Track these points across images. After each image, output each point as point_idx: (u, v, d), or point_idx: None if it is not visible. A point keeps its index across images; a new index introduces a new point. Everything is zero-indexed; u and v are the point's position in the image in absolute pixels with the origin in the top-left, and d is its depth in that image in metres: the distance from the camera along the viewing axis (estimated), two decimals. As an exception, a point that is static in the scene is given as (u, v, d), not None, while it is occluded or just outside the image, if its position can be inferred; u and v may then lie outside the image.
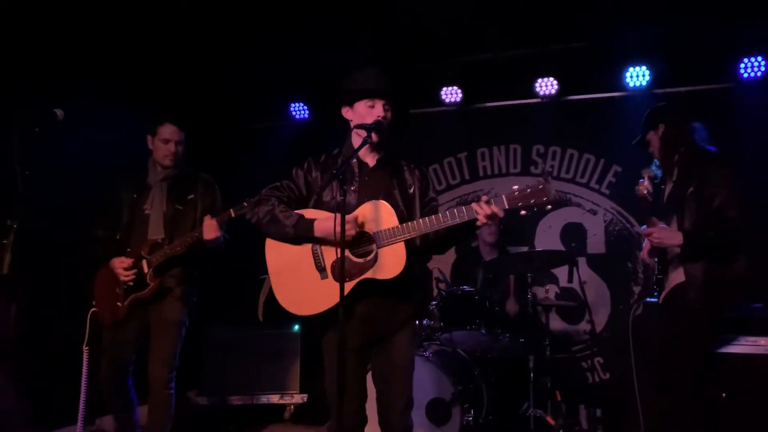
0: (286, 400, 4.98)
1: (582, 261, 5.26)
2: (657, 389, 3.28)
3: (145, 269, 3.42)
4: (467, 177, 5.77)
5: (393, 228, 2.52)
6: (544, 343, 4.28)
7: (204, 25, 4.63)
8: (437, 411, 3.89)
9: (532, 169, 5.54)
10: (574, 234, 5.36)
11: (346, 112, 2.77)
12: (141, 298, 3.42)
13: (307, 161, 2.79)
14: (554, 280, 5.33)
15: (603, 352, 5.19)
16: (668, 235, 3.17)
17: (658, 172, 3.41)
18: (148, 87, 5.00)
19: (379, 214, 2.55)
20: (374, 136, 2.59)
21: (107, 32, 4.47)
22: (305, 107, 6.00)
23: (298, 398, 4.97)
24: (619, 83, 5.17)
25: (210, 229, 3.36)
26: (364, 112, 2.68)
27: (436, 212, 2.66)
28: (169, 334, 3.47)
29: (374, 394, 2.73)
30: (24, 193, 2.55)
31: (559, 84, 5.26)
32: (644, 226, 3.28)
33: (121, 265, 3.39)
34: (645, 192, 3.32)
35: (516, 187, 2.46)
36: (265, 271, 2.70)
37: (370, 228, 2.55)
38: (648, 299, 3.67)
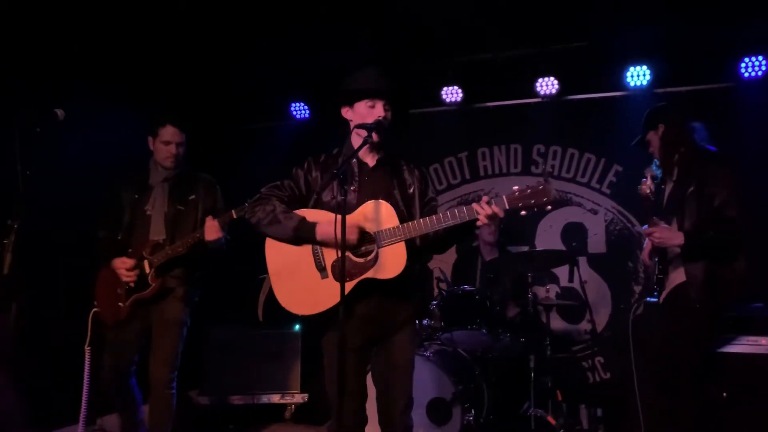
0: (287, 399, 4.98)
1: (583, 260, 5.26)
2: (657, 389, 3.28)
3: (147, 269, 3.43)
4: (468, 177, 5.76)
5: (394, 228, 2.52)
6: (545, 342, 4.27)
7: (204, 25, 4.63)
8: (438, 410, 3.89)
9: (533, 168, 5.53)
10: (574, 233, 5.35)
11: (346, 112, 2.77)
12: (143, 299, 3.43)
13: (307, 161, 2.79)
14: (555, 279, 5.33)
15: (604, 352, 5.19)
16: (669, 235, 3.17)
17: (659, 172, 3.41)
18: (149, 87, 5.00)
19: (379, 214, 2.55)
20: (375, 136, 2.59)
21: (107, 32, 4.47)
22: (306, 107, 6.00)
23: (299, 398, 4.97)
24: (619, 83, 5.16)
25: (212, 230, 3.37)
26: (365, 112, 2.68)
27: (435, 212, 2.67)
28: (171, 334, 3.48)
29: (374, 394, 2.73)
30: (25, 193, 2.55)
31: (559, 84, 5.25)
32: (645, 226, 3.28)
33: (123, 265, 3.40)
34: (648, 191, 3.32)
35: (516, 187, 2.47)
36: (265, 271, 2.70)
37: (370, 228, 2.55)
38: (648, 299, 3.67)
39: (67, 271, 4.14)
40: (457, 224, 2.50)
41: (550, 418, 4.13)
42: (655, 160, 3.44)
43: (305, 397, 4.96)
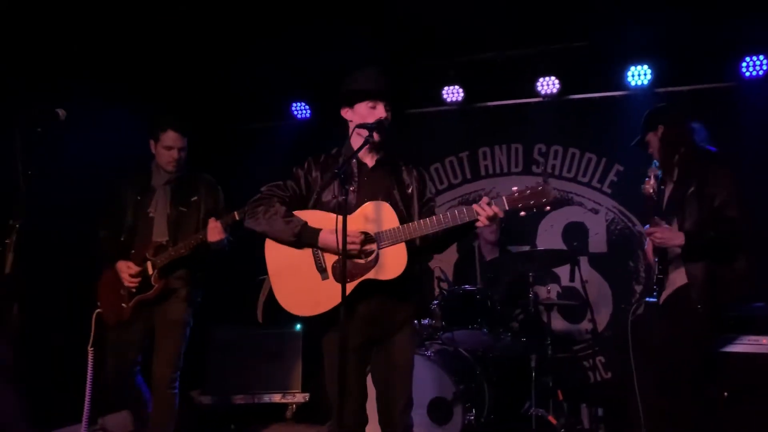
0: (288, 399, 4.98)
1: (584, 260, 5.26)
2: (658, 390, 3.28)
3: (150, 271, 3.44)
4: (469, 176, 5.76)
5: (394, 229, 2.52)
6: (546, 342, 4.27)
7: (204, 25, 4.63)
8: (439, 410, 3.89)
9: (534, 168, 5.53)
10: (575, 233, 5.35)
11: (346, 113, 2.77)
12: (146, 300, 3.45)
13: (307, 161, 2.79)
14: (556, 279, 5.33)
15: (605, 352, 5.19)
16: (670, 235, 3.17)
17: (659, 173, 3.41)
18: (149, 87, 5.01)
19: (380, 215, 2.55)
20: (376, 136, 2.59)
21: (107, 32, 4.47)
22: (306, 107, 6.00)
23: (300, 397, 4.97)
24: (620, 82, 5.16)
25: (214, 232, 3.38)
26: (366, 113, 2.67)
27: (433, 212, 2.69)
28: (174, 335, 3.50)
29: (374, 394, 2.73)
30: (26, 192, 2.55)
31: (560, 83, 5.25)
32: (647, 226, 3.28)
33: (127, 270, 3.42)
34: (651, 191, 3.32)
35: (515, 188, 2.48)
36: (265, 271, 2.70)
37: (371, 228, 2.55)
38: (647, 299, 3.67)
39: (67, 271, 4.14)
40: (458, 225, 2.50)
41: (551, 418, 4.13)
42: (654, 160, 3.43)
43: (306, 396, 4.97)
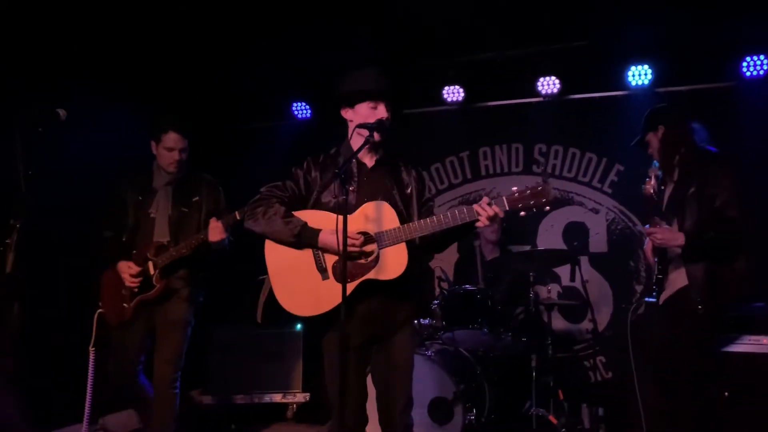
0: (289, 399, 4.98)
1: (584, 260, 5.26)
2: (658, 390, 3.28)
3: (152, 271, 3.45)
4: (469, 176, 5.76)
5: (395, 229, 2.52)
6: (547, 342, 4.27)
7: (204, 25, 4.63)
8: (439, 410, 3.89)
9: (534, 168, 5.53)
10: (576, 233, 5.35)
11: (347, 113, 2.76)
12: (147, 300, 3.45)
13: (306, 161, 2.79)
14: (556, 279, 5.33)
15: (605, 351, 5.19)
16: (671, 236, 3.16)
17: (660, 173, 3.41)
18: (149, 87, 5.00)
19: (380, 215, 2.55)
20: (376, 136, 2.59)
21: (107, 32, 4.47)
22: (307, 107, 6.00)
23: (301, 397, 4.97)
24: (621, 82, 5.15)
25: (215, 232, 3.38)
26: (367, 113, 2.67)
27: (432, 212, 2.70)
28: (175, 334, 3.50)
29: (374, 394, 2.73)
30: (26, 192, 2.55)
31: (561, 83, 5.25)
32: (647, 225, 3.27)
33: (128, 271, 3.43)
34: (652, 191, 3.31)
35: (515, 188, 2.49)
36: (265, 271, 2.70)
37: (371, 228, 2.55)
38: (647, 299, 3.67)
39: (67, 271, 4.14)
40: (458, 225, 2.50)
41: (551, 418, 4.13)
42: (654, 161, 3.43)
43: (307, 396, 4.97)
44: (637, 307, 3.94)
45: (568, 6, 4.58)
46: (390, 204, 2.58)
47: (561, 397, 4.26)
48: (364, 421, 2.69)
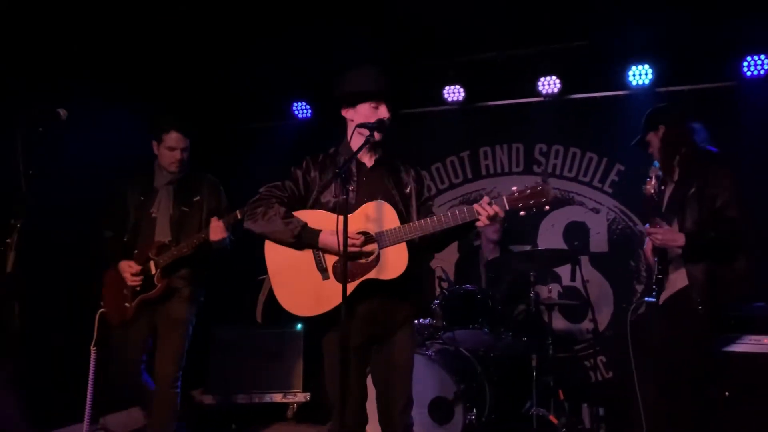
0: (289, 398, 4.98)
1: (585, 260, 5.26)
2: (659, 390, 3.28)
3: (153, 270, 3.45)
4: (470, 176, 5.76)
5: (395, 228, 2.52)
6: (547, 342, 4.27)
7: (204, 25, 4.63)
8: (440, 410, 3.89)
9: (535, 168, 5.52)
10: (576, 233, 5.35)
11: (347, 112, 2.76)
12: (149, 299, 3.46)
13: (305, 160, 2.79)
14: (557, 278, 5.32)
15: (606, 351, 5.18)
16: (671, 236, 3.16)
17: (660, 173, 3.41)
18: (149, 87, 5.01)
19: (381, 215, 2.55)
20: (377, 135, 2.59)
21: (107, 32, 4.47)
22: (308, 106, 6.00)
23: (301, 397, 4.97)
24: (621, 82, 5.15)
25: (216, 231, 3.39)
26: (368, 113, 2.67)
27: (431, 212, 2.70)
28: (177, 333, 3.51)
29: (374, 394, 2.73)
30: (27, 192, 2.55)
31: (561, 83, 5.24)
32: (647, 225, 3.27)
33: (129, 270, 3.43)
34: (652, 191, 3.31)
35: (515, 188, 2.48)
36: (266, 271, 2.70)
37: (372, 228, 2.55)
38: (647, 299, 3.66)
39: (67, 271, 4.15)
40: (458, 224, 2.50)
41: (552, 418, 4.13)
42: (655, 161, 3.43)
43: (307, 396, 4.97)
44: (638, 307, 3.94)
45: (569, 6, 4.58)
46: (390, 204, 2.58)
47: (561, 396, 4.26)
48: (364, 421, 2.69)
